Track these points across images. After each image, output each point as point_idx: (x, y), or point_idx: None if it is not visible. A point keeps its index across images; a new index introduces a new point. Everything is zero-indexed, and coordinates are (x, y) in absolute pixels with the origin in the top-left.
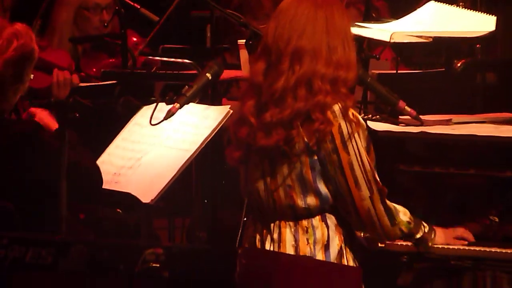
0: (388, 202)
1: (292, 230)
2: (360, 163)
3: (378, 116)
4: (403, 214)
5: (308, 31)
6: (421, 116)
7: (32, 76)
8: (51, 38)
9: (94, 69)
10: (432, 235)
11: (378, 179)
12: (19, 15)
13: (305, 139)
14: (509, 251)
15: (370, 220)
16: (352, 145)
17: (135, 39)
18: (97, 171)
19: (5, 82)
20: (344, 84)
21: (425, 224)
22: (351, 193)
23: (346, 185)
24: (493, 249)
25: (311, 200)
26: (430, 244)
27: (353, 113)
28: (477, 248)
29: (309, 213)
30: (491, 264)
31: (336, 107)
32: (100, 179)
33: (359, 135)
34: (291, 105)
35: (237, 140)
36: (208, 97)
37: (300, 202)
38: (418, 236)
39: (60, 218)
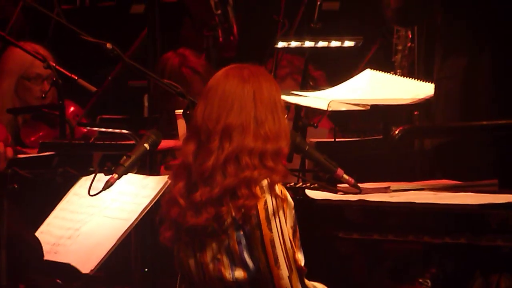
0: (307, 282)
1: None
2: (281, 241)
3: (316, 185)
4: None
5: (236, 107)
6: (359, 184)
7: None
8: None
9: (33, 139)
10: None
11: (299, 258)
12: None
13: (233, 214)
14: None
15: None
16: (275, 222)
17: (72, 109)
18: (36, 243)
19: None
20: (273, 157)
21: None
22: (270, 270)
23: (266, 262)
24: None
25: (239, 274)
26: None
27: (281, 191)
28: None
29: (238, 286)
30: None
31: (264, 182)
32: (40, 250)
33: (284, 212)
34: (220, 183)
35: (168, 220)
36: (146, 166)
37: (228, 276)
38: None
39: None
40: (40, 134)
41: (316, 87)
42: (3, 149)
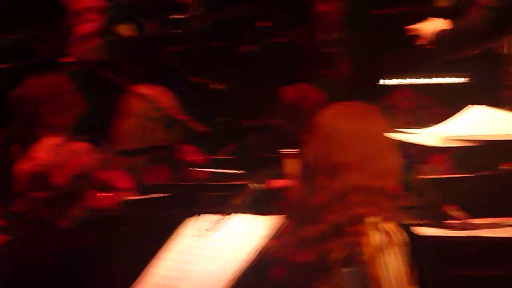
0: None
1: None
2: (389, 279)
3: (427, 221)
4: None
5: (344, 145)
6: (470, 220)
7: None
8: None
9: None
10: None
11: None
12: None
13: (340, 251)
14: None
15: None
16: (383, 259)
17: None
18: None
19: (67, 199)
20: (381, 194)
21: None
22: None
23: None
24: None
25: None
26: None
27: (390, 226)
28: None
29: None
30: None
31: (371, 219)
32: None
33: (394, 250)
34: (328, 220)
35: (278, 258)
36: (261, 207)
37: None
38: None
39: None
40: (161, 175)
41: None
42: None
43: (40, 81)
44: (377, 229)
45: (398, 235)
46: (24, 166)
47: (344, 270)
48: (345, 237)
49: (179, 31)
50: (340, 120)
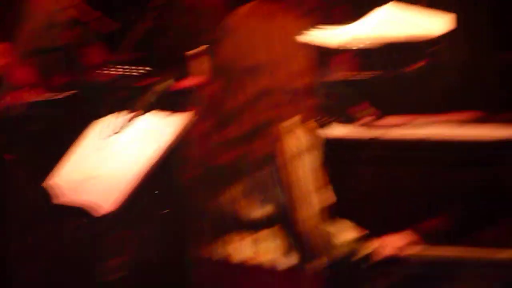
0: (331, 221)
1: (251, 241)
2: (306, 180)
3: (335, 121)
4: (347, 232)
5: (263, 44)
6: (383, 118)
7: None
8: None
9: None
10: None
11: (325, 197)
12: None
13: (263, 151)
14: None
15: (313, 239)
16: (304, 160)
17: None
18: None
19: None
20: (303, 93)
21: (369, 242)
22: (294, 211)
23: (290, 202)
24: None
25: (269, 210)
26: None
27: (310, 128)
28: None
29: (268, 222)
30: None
31: (293, 120)
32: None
33: (312, 152)
34: (251, 120)
35: (194, 159)
36: (169, 105)
37: (257, 213)
38: (362, 253)
39: None
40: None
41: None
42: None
43: None
44: (292, 131)
45: (312, 137)
46: None
47: (266, 169)
48: (261, 139)
49: None
50: (251, 20)
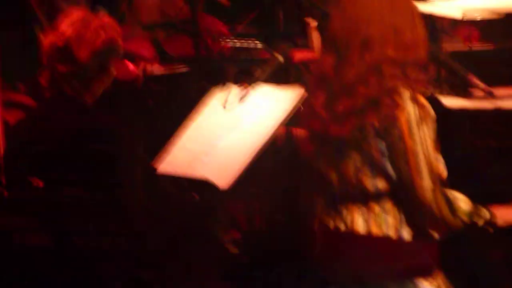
0: (449, 192)
1: (364, 215)
2: (425, 153)
3: (451, 93)
4: (464, 204)
5: (375, 18)
6: (495, 91)
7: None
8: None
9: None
10: (494, 220)
11: (441, 170)
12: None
13: (376, 125)
14: None
15: (430, 211)
16: (419, 133)
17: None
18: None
19: (91, 74)
20: (414, 67)
21: (486, 211)
22: (413, 181)
23: (409, 173)
24: None
25: (381, 184)
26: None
27: (423, 102)
28: None
29: (379, 196)
30: None
31: (406, 93)
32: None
33: (427, 124)
34: (363, 94)
35: (310, 132)
36: (281, 80)
37: (370, 186)
38: (480, 224)
39: None
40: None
41: None
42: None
43: None
44: (411, 101)
45: (431, 109)
46: (49, 39)
47: (379, 143)
48: (379, 109)
49: None
50: None
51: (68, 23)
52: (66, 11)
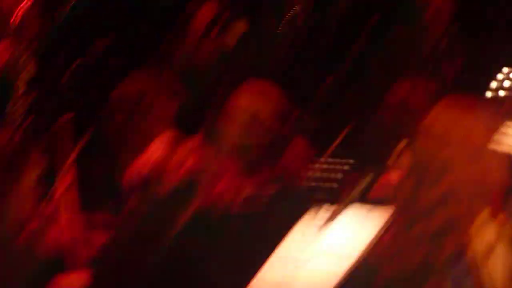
0: None
1: None
2: (500, 279)
3: None
4: None
5: (457, 139)
6: None
7: None
8: None
9: None
10: None
11: None
12: None
13: (452, 249)
14: None
15: None
16: (495, 258)
17: None
18: None
19: None
20: (492, 189)
21: None
22: None
23: None
24: None
25: None
26: None
27: (501, 221)
28: None
29: None
30: None
31: (484, 215)
32: None
33: (504, 243)
34: (441, 216)
35: (385, 257)
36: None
37: None
38: None
39: None
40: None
41: None
42: None
43: (145, 73)
44: (483, 226)
45: (505, 231)
46: (140, 162)
47: (452, 269)
48: (452, 235)
49: None
50: (448, 115)
51: (159, 146)
52: (155, 135)
